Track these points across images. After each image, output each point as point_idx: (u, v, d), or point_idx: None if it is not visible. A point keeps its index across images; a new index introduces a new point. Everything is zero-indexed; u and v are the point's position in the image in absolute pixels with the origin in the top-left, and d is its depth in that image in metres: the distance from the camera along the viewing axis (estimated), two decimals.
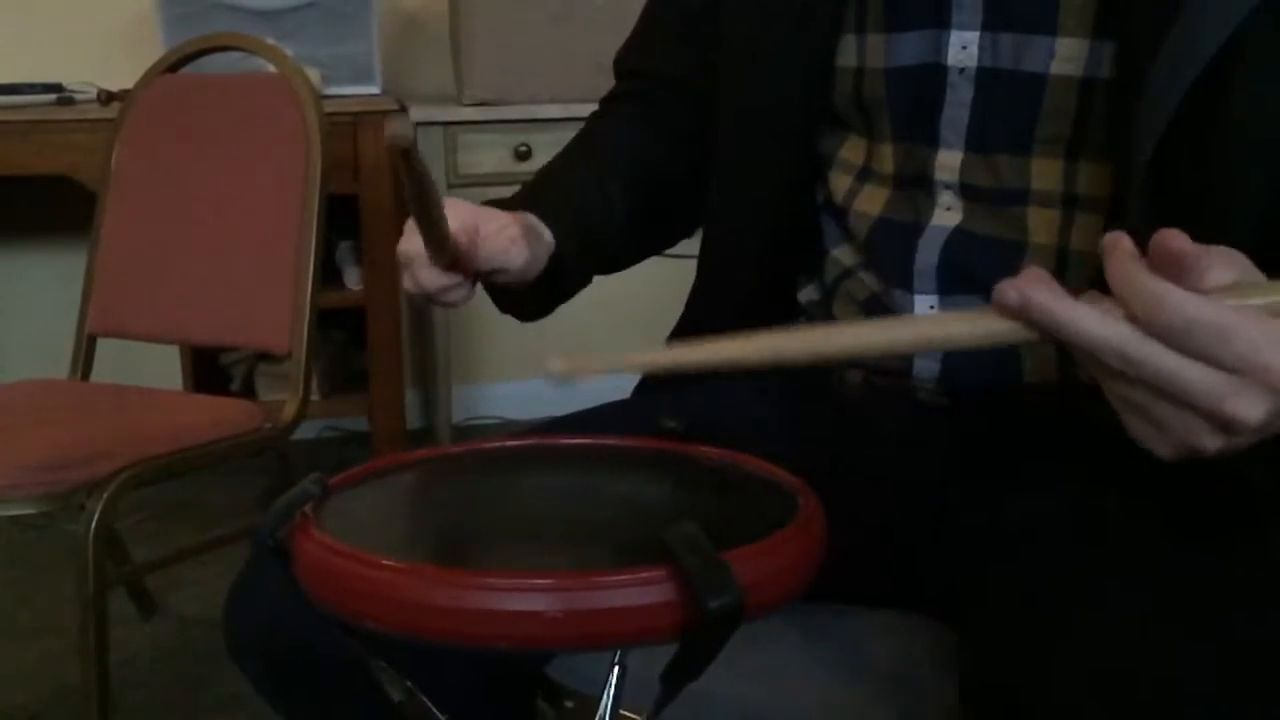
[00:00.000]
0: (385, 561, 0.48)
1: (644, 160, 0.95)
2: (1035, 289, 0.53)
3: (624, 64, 1.02)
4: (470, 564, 0.49)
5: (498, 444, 0.70)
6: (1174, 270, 0.52)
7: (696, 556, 0.47)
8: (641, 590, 0.47)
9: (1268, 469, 0.63)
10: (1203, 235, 0.67)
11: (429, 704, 0.61)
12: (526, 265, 0.81)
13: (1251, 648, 0.58)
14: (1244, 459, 0.58)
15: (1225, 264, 0.53)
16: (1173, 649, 0.58)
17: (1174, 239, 0.52)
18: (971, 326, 0.57)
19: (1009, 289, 0.54)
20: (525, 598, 0.46)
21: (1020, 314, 0.54)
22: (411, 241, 0.78)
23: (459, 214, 0.77)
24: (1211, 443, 0.53)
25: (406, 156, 0.61)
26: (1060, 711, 0.58)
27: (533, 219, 0.85)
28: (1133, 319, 0.52)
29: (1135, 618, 0.61)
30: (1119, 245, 0.54)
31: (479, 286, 0.85)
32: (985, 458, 0.79)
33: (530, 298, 0.89)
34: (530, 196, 0.89)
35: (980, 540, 0.74)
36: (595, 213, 0.91)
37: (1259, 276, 0.55)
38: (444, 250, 0.76)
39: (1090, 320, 0.52)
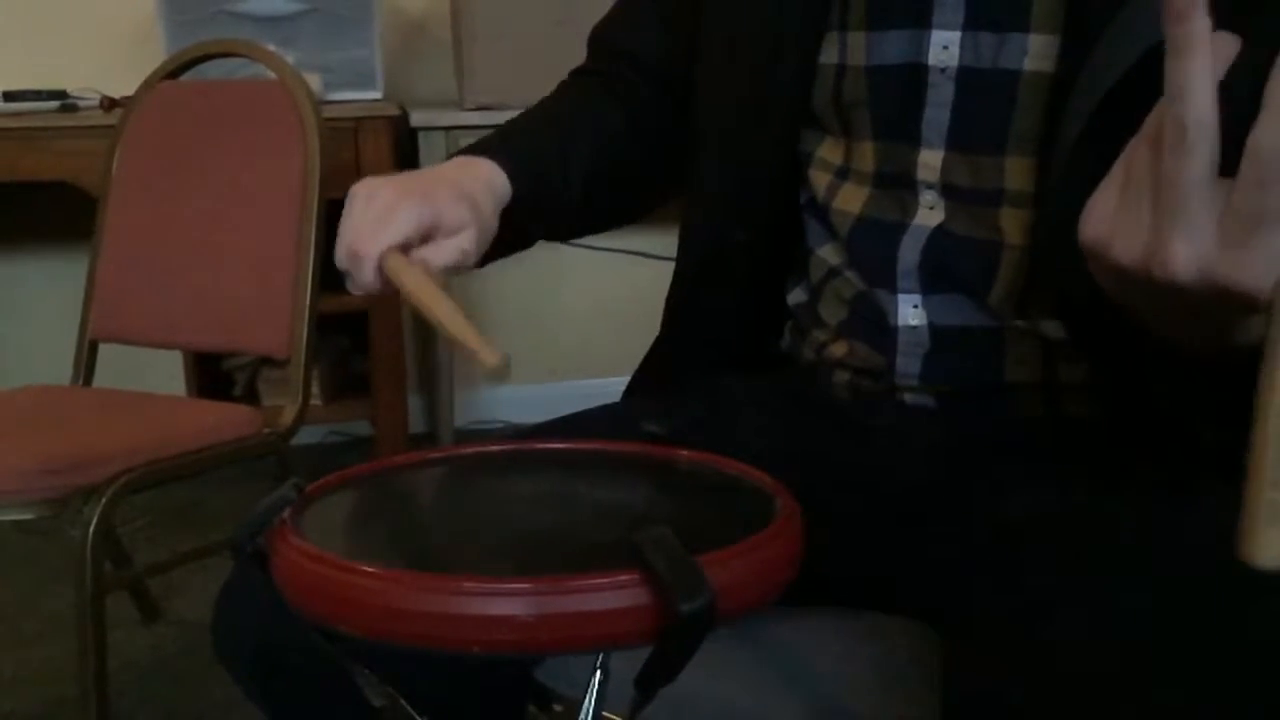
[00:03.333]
0: (356, 566, 0.49)
1: (608, 136, 0.96)
2: (1206, 14, 0.49)
3: (599, 41, 1.02)
4: (444, 569, 0.49)
5: (477, 449, 0.70)
6: None
7: (668, 559, 0.47)
8: (613, 594, 0.47)
9: (1216, 428, 0.62)
10: None
11: (410, 710, 0.61)
12: (477, 262, 0.81)
13: (1246, 650, 0.58)
14: (1194, 419, 0.57)
15: None
16: (1162, 653, 0.58)
17: None
18: None
19: None
20: (495, 602, 0.46)
21: (1182, 8, 0.49)
22: (362, 244, 0.77)
23: (416, 218, 0.77)
24: (1126, 254, 0.51)
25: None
26: (1045, 717, 0.58)
27: (492, 176, 0.86)
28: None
29: (1124, 621, 0.60)
30: None
31: None
32: (970, 458, 0.79)
33: None
34: (491, 146, 0.89)
35: (965, 542, 0.74)
36: (554, 178, 0.91)
37: None
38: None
39: (1204, 81, 0.49)
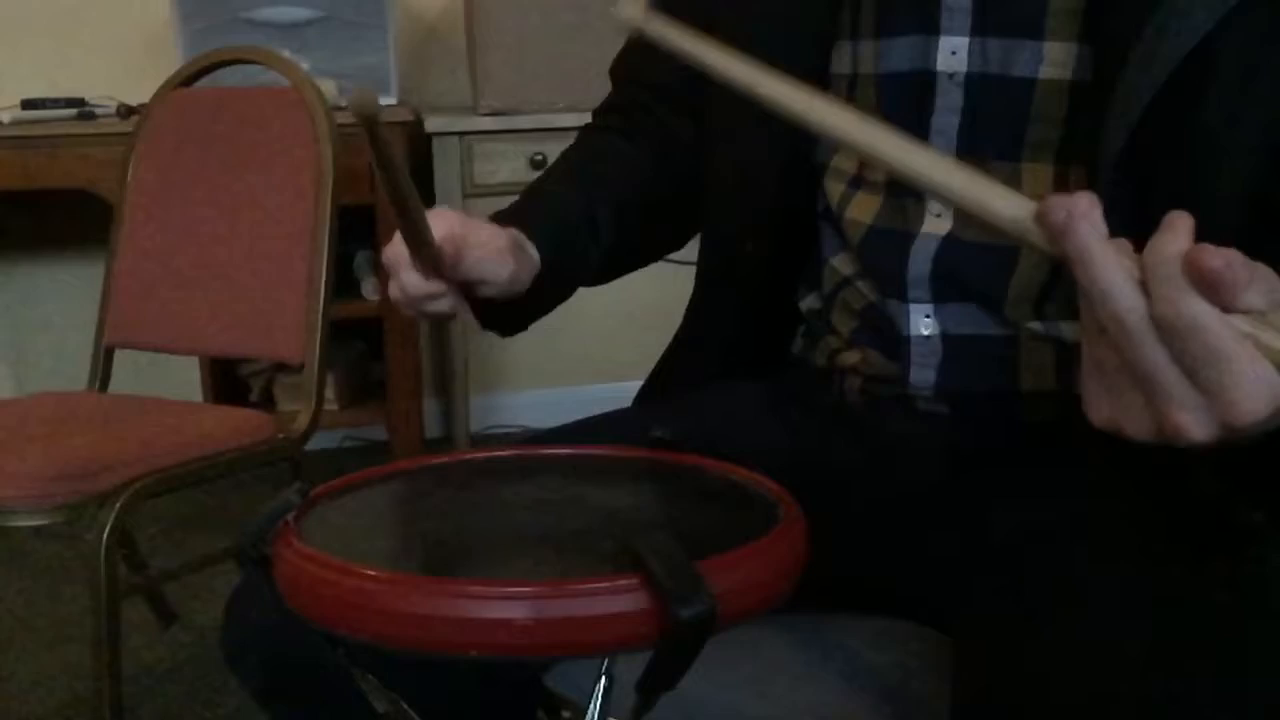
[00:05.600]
0: (355, 569, 0.49)
1: (633, 180, 0.95)
2: (1082, 219, 0.51)
3: (617, 73, 1.02)
4: (444, 572, 0.49)
5: (481, 455, 0.70)
6: (1205, 286, 0.50)
7: (668, 565, 0.47)
8: (613, 599, 0.47)
9: (1249, 503, 0.63)
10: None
11: (414, 716, 0.61)
12: (512, 279, 0.81)
13: (1247, 653, 0.57)
14: (1226, 495, 0.58)
15: (1266, 287, 0.51)
16: (1168, 662, 0.57)
17: (1208, 259, 0.49)
18: (1009, 208, 0.55)
19: (1058, 206, 0.52)
20: (494, 605, 0.46)
21: (1058, 232, 0.52)
22: (397, 247, 0.78)
23: (446, 223, 0.77)
24: (1145, 436, 0.52)
25: (372, 125, 0.59)
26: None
27: (520, 235, 0.85)
28: (1147, 295, 0.51)
29: (1131, 629, 0.60)
30: (1177, 226, 0.52)
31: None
32: (981, 463, 0.78)
33: (509, 312, 0.89)
34: (518, 214, 0.89)
35: (977, 548, 0.74)
36: (581, 236, 0.91)
37: None
38: (425, 250, 0.75)
39: (1115, 277, 0.51)
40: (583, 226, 0.91)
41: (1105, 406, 0.53)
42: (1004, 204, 0.55)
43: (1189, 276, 0.49)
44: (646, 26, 0.57)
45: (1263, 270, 0.51)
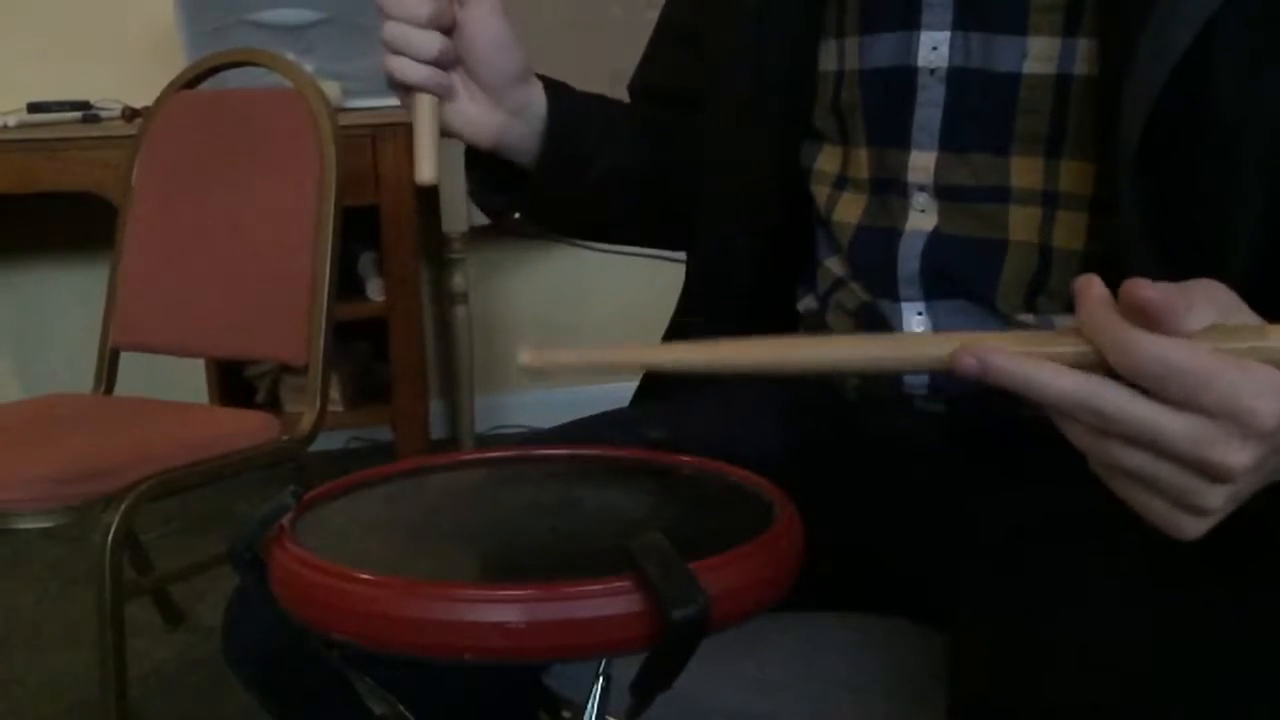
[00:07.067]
0: (347, 572, 0.49)
1: (653, 133, 0.95)
2: (993, 353, 0.51)
3: (635, 87, 1.03)
4: (438, 575, 0.49)
5: (477, 455, 0.70)
6: (1147, 320, 0.49)
7: (662, 566, 0.47)
8: (606, 601, 0.47)
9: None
10: (1199, 226, 0.67)
11: (410, 717, 0.62)
12: (506, 46, 0.80)
13: (1248, 652, 0.57)
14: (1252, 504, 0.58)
15: (1206, 302, 0.51)
16: (1168, 660, 0.57)
17: (1141, 289, 0.49)
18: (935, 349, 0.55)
19: (966, 356, 0.52)
20: (487, 609, 0.46)
21: (982, 379, 0.52)
22: None
23: None
24: (1213, 498, 0.50)
25: None
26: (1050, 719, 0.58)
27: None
28: (1106, 369, 0.50)
29: (1131, 627, 0.60)
30: (1090, 290, 0.52)
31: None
32: (981, 463, 0.78)
33: (504, 178, 0.89)
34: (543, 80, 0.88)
35: (975, 546, 0.74)
36: (594, 126, 0.90)
37: (1242, 308, 0.52)
38: None
39: (1056, 374, 0.50)
40: (597, 118, 0.90)
41: (1181, 515, 0.52)
42: (932, 346, 0.55)
43: (1130, 317, 0.49)
44: (549, 364, 0.57)
45: (1198, 290, 0.51)
